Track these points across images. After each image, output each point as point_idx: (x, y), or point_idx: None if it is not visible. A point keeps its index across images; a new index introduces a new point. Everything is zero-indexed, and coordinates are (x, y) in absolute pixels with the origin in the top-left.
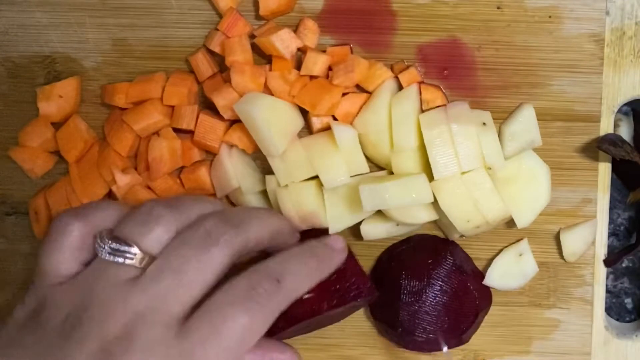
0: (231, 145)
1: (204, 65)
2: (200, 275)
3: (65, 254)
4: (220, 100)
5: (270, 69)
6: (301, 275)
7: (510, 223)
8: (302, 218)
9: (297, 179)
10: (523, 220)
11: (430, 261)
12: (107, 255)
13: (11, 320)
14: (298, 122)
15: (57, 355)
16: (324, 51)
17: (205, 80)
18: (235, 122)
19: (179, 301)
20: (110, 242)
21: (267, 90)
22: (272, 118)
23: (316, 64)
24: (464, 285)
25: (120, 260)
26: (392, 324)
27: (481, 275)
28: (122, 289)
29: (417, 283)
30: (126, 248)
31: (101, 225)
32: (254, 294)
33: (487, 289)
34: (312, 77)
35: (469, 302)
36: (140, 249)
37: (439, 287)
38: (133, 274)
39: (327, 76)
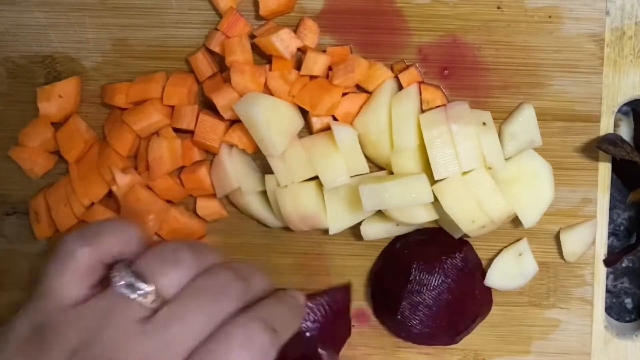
0: (231, 145)
1: (204, 65)
2: (208, 326)
3: (73, 279)
4: (220, 100)
5: (270, 69)
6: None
7: (514, 222)
8: (302, 218)
9: (297, 179)
10: (529, 219)
11: (444, 257)
12: (123, 288)
13: (13, 334)
14: (298, 122)
15: None
16: (324, 51)
17: (205, 80)
18: (235, 122)
19: (184, 348)
20: (128, 275)
21: (267, 90)
22: (272, 118)
23: (316, 64)
24: (471, 287)
25: (134, 296)
26: (392, 308)
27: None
28: (133, 331)
29: (426, 275)
30: (143, 285)
31: (109, 251)
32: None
33: (490, 295)
34: (312, 77)
35: (471, 304)
36: (156, 289)
37: (447, 285)
38: (143, 313)
39: (327, 76)
